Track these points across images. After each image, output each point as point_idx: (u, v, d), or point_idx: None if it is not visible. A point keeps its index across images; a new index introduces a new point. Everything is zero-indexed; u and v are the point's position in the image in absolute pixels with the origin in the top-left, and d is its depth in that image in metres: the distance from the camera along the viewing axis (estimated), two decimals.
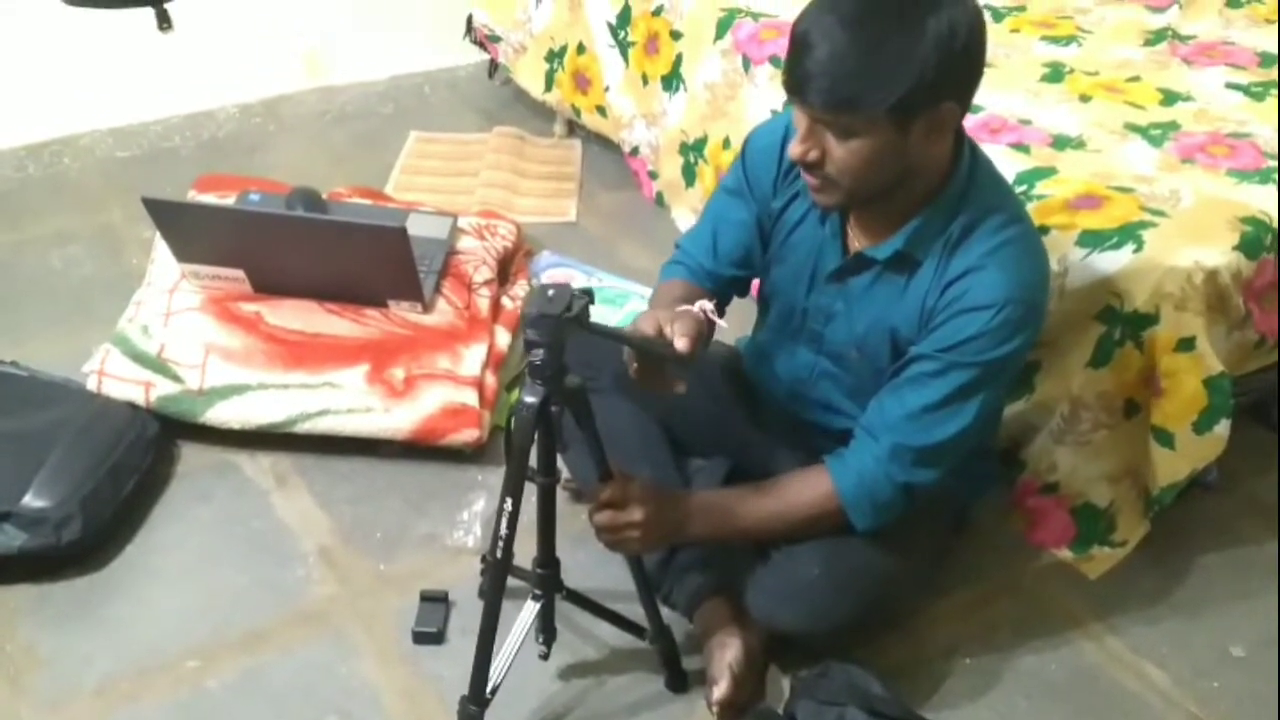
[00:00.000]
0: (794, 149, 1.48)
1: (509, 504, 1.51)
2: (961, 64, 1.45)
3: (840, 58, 1.39)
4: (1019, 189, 2.09)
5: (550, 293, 1.43)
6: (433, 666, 1.79)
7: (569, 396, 1.48)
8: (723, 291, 1.80)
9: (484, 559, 1.70)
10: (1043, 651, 1.88)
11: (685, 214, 2.91)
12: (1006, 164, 2.14)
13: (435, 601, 1.88)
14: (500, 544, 1.54)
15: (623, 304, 2.58)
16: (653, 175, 3.03)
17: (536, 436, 1.49)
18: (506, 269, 2.56)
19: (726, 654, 1.72)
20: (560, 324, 1.39)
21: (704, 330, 1.56)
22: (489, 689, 1.61)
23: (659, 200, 3.04)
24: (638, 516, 1.57)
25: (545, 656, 1.72)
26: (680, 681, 1.76)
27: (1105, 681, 1.84)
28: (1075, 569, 2.02)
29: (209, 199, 2.57)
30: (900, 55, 1.39)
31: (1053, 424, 2.04)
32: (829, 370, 1.77)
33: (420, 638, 1.84)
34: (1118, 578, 1.99)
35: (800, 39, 1.42)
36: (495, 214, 2.71)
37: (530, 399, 1.46)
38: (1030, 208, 2.04)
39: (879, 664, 1.77)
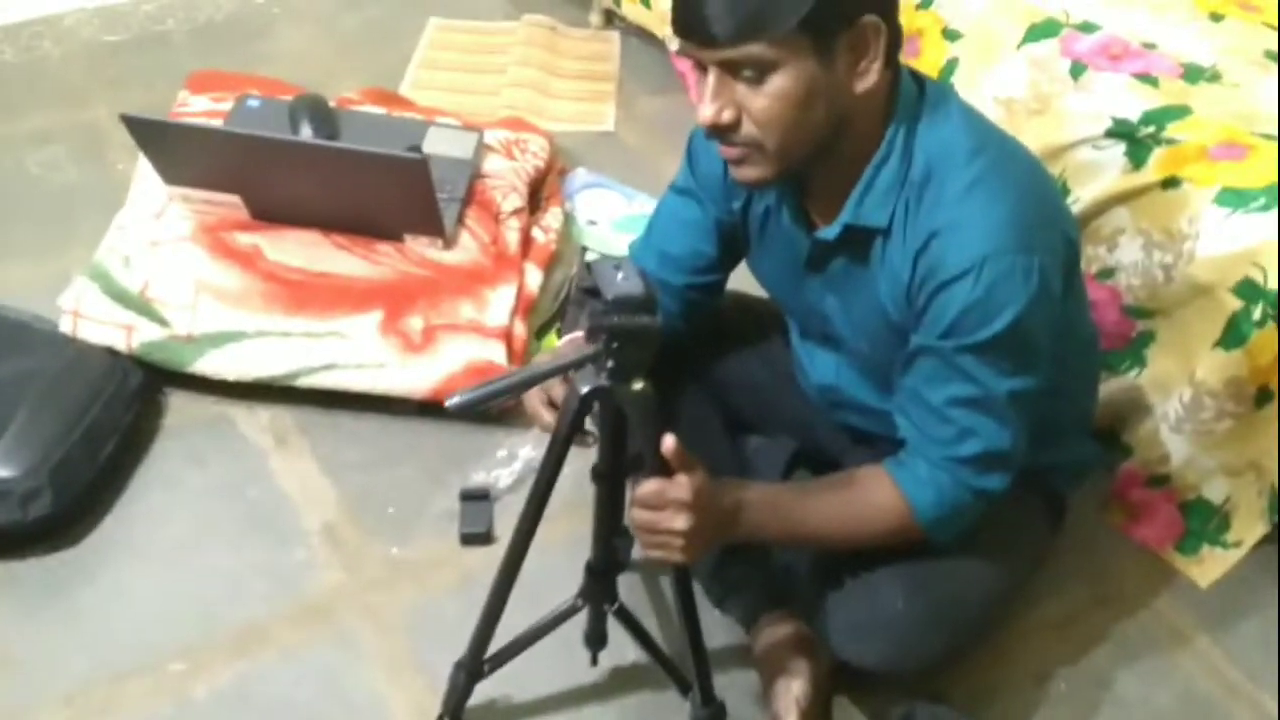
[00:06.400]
0: (703, 114, 1.20)
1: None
2: None
3: None
4: (1146, 130, 1.79)
5: (620, 273, 1.16)
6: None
7: (630, 400, 1.21)
8: (683, 300, 1.55)
9: None
10: (1148, 677, 1.65)
11: None
12: (1131, 99, 1.83)
13: (478, 500, 1.78)
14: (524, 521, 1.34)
15: None
16: None
17: (604, 430, 1.26)
18: (537, 193, 2.26)
19: (793, 687, 1.49)
20: (654, 310, 1.15)
21: None
22: (487, 661, 1.44)
23: None
24: (681, 525, 1.26)
25: (594, 663, 1.51)
26: None
27: (1219, 717, 1.61)
28: (1184, 577, 1.77)
29: (202, 101, 2.26)
30: None
31: (1168, 409, 1.78)
32: (853, 371, 1.50)
33: (469, 539, 1.75)
34: (1232, 590, 1.75)
35: None
36: (525, 124, 2.40)
37: (584, 387, 1.21)
38: (1160, 153, 1.76)
39: (963, 688, 1.57)
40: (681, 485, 1.26)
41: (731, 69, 1.18)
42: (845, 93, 1.20)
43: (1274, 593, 1.76)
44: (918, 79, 1.30)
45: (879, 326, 1.37)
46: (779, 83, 1.17)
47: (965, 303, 1.23)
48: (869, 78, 1.21)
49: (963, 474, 1.32)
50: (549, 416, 1.39)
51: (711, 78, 1.19)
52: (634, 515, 1.29)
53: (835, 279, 1.39)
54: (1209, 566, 1.79)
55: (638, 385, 1.21)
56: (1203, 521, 1.79)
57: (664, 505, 1.26)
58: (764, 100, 1.18)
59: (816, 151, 1.24)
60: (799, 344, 1.57)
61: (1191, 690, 1.64)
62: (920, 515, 1.34)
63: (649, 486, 1.27)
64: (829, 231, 1.33)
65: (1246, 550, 1.77)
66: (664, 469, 1.26)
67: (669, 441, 1.23)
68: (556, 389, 1.42)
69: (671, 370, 1.54)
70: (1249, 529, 1.77)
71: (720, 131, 1.22)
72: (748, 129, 1.21)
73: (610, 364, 1.19)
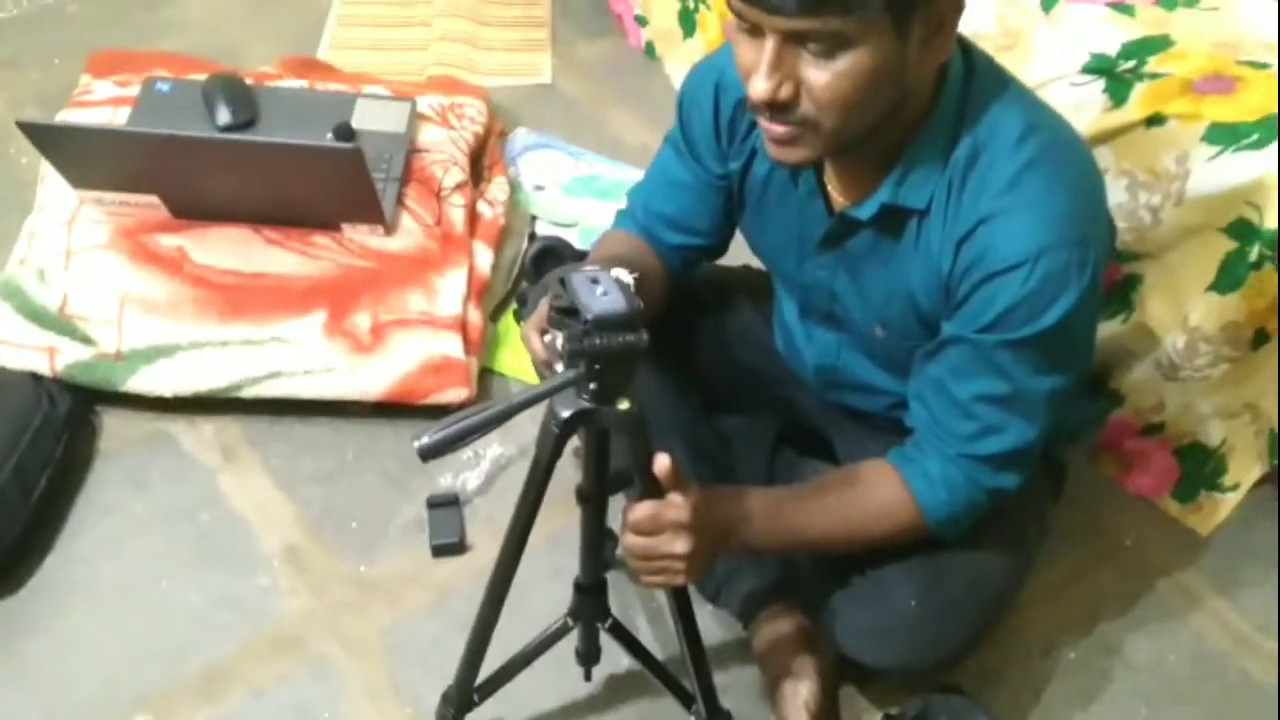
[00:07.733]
0: (758, 87, 1.05)
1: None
2: None
3: None
4: (1125, 65, 1.68)
5: (600, 287, 1.04)
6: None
7: (617, 421, 1.10)
8: (681, 258, 1.44)
9: None
10: (1158, 638, 1.60)
11: (682, 68, 2.45)
12: (1108, 31, 1.72)
13: (446, 507, 1.68)
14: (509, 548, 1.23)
15: (619, 196, 2.16)
16: (640, 21, 2.56)
17: (588, 452, 1.15)
18: (479, 162, 2.12)
19: (800, 690, 1.41)
20: (638, 327, 1.02)
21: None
22: (475, 690, 1.36)
23: (649, 51, 2.58)
24: (681, 548, 1.17)
25: (588, 678, 1.43)
26: None
27: (1234, 673, 1.57)
28: (1184, 528, 1.72)
29: (106, 86, 2.08)
30: None
31: (1160, 355, 1.70)
32: (858, 353, 1.40)
33: (441, 550, 1.65)
34: (1234, 539, 1.71)
35: None
36: (458, 85, 2.26)
37: (564, 412, 1.09)
38: (1142, 89, 1.66)
39: (969, 670, 1.50)
40: (678, 506, 1.16)
41: (798, 40, 1.03)
42: (911, 73, 1.08)
43: (1274, 535, 1.72)
44: (965, 50, 1.17)
45: (901, 312, 1.27)
46: (851, 61, 1.03)
47: (1015, 297, 1.13)
48: (938, 58, 1.09)
49: (978, 472, 1.24)
50: (540, 347, 1.21)
51: (771, 46, 1.04)
52: (628, 543, 1.19)
53: (853, 258, 1.28)
54: (1207, 513, 1.74)
55: (624, 405, 1.10)
56: (1199, 466, 1.74)
57: (660, 529, 1.17)
58: (830, 77, 1.04)
59: (870, 133, 1.12)
60: (795, 322, 1.46)
61: (1202, 648, 1.59)
62: (930, 517, 1.26)
63: (643, 510, 1.17)
64: (862, 210, 1.21)
65: (1244, 493, 1.72)
66: (655, 489, 1.17)
67: (663, 461, 1.14)
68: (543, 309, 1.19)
69: (650, 366, 1.44)
70: (1246, 471, 1.73)
71: (774, 108, 1.08)
72: (806, 107, 1.07)
73: (593, 386, 1.09)
